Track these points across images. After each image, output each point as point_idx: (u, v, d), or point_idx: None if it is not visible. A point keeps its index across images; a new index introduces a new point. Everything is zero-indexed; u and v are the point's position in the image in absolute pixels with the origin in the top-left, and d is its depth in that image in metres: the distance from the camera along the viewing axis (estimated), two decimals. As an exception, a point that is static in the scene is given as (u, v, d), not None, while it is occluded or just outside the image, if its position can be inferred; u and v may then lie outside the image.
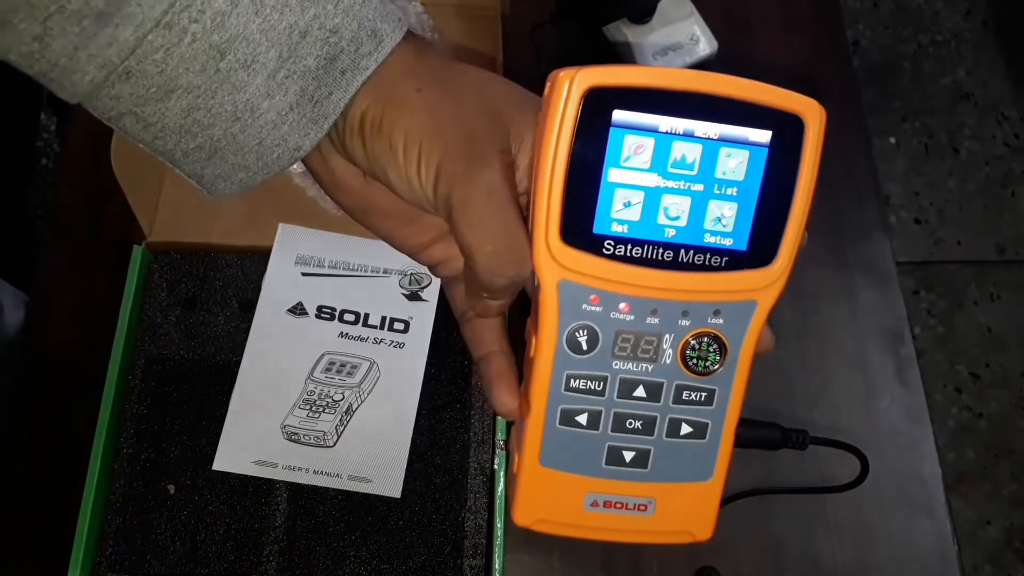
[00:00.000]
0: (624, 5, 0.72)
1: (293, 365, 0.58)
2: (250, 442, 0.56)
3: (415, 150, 0.33)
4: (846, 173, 0.75)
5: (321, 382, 0.58)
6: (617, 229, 0.34)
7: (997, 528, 1.41)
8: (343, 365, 0.58)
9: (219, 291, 0.60)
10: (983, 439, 1.48)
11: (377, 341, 0.59)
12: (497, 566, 0.55)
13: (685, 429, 0.37)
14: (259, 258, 0.60)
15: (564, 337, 0.35)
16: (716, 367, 0.36)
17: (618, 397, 0.36)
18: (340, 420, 0.57)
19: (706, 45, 0.73)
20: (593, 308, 0.35)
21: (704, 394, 0.36)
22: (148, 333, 0.59)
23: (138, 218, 0.61)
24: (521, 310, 0.38)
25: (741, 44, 0.77)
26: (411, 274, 0.61)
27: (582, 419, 0.36)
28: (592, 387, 0.36)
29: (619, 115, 0.33)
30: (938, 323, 1.54)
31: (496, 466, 0.57)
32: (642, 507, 0.38)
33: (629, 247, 0.34)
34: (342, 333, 0.59)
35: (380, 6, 0.34)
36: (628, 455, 0.37)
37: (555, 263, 0.34)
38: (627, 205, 0.33)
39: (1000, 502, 1.44)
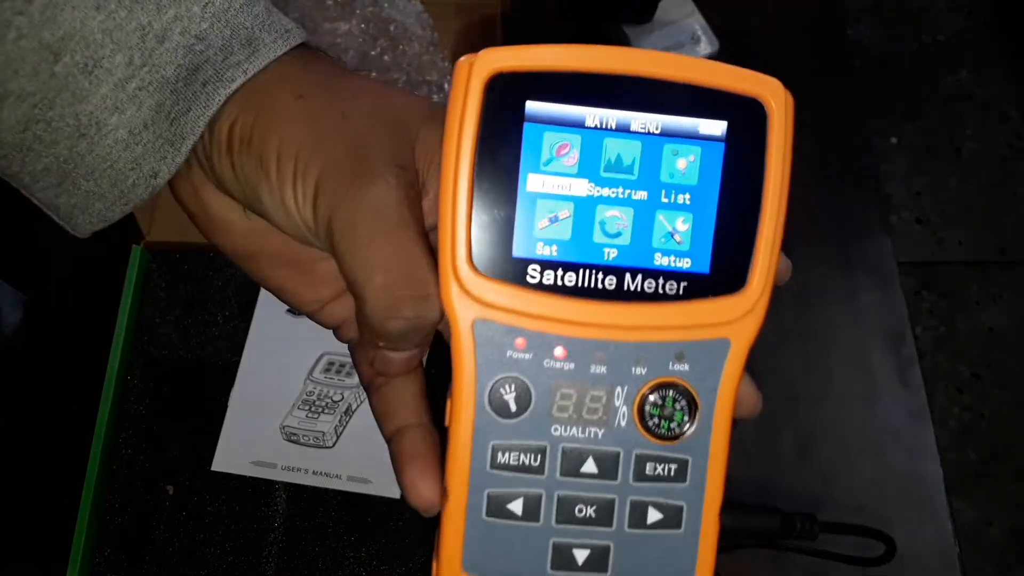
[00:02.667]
0: (625, 5, 0.72)
1: (292, 365, 0.58)
2: (249, 443, 0.56)
3: (290, 165, 0.27)
4: (847, 173, 0.75)
5: (320, 382, 0.57)
6: (543, 251, 0.27)
7: (999, 529, 1.41)
8: (342, 365, 0.58)
9: (218, 291, 0.60)
10: (985, 440, 1.48)
11: (377, 341, 0.59)
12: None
13: (653, 516, 0.28)
14: (258, 258, 0.60)
15: (486, 395, 0.27)
16: (686, 428, 0.28)
17: (562, 475, 0.28)
18: (339, 420, 0.57)
19: (707, 44, 0.73)
20: (521, 355, 0.27)
21: (674, 466, 0.28)
22: (147, 333, 0.59)
23: (137, 218, 0.60)
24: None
25: (742, 43, 0.77)
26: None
27: (516, 507, 0.28)
28: (527, 462, 0.28)
29: (533, 107, 0.27)
30: (940, 323, 1.54)
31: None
32: None
33: (560, 273, 0.27)
34: (341, 333, 0.59)
35: (265, 14, 0.29)
36: (580, 555, 0.28)
37: (468, 298, 0.27)
38: (553, 221, 0.27)
39: (1002, 503, 1.44)
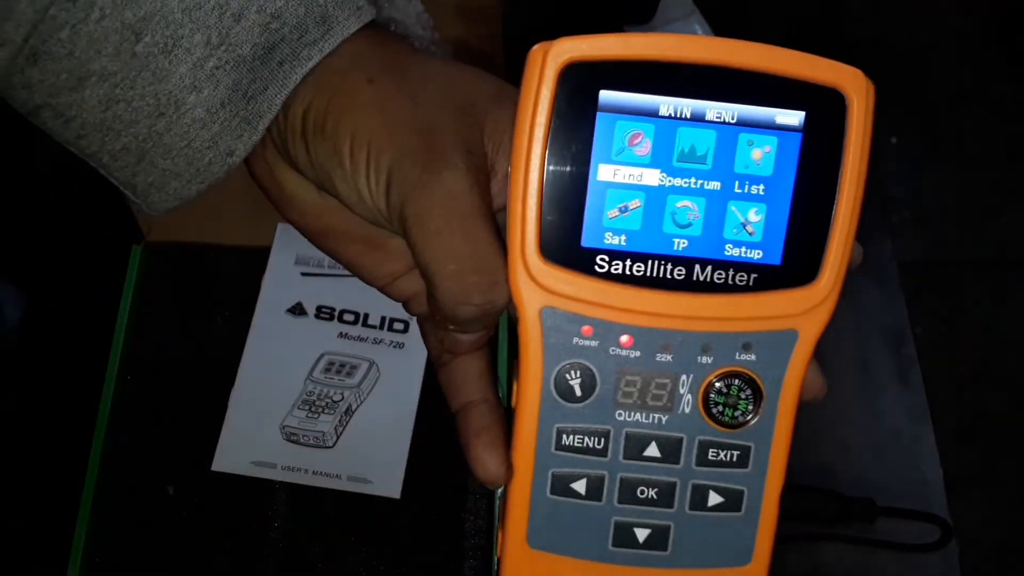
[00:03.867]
0: (625, 3, 0.72)
1: (292, 365, 0.58)
2: (249, 443, 0.56)
3: (363, 153, 0.28)
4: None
5: (320, 382, 0.57)
6: (612, 241, 0.27)
7: (999, 530, 1.41)
8: (342, 365, 0.58)
9: (218, 291, 0.60)
10: (985, 440, 1.48)
11: (377, 341, 0.59)
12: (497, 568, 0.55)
13: (714, 499, 0.29)
14: (258, 258, 0.60)
15: (552, 380, 0.28)
16: (750, 417, 0.28)
17: (625, 458, 0.29)
18: (339, 421, 0.57)
19: (707, 44, 0.73)
20: (587, 342, 0.28)
21: (736, 453, 0.29)
22: (147, 333, 0.59)
23: (137, 217, 0.60)
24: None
25: (742, 43, 0.77)
26: (411, 274, 0.60)
27: (580, 487, 0.29)
28: (591, 445, 0.28)
29: (607, 96, 0.27)
30: (940, 323, 1.54)
31: (496, 467, 0.57)
32: None
33: (628, 264, 0.27)
34: (341, 333, 0.59)
35: None
36: (642, 533, 0.29)
37: (535, 286, 0.27)
38: (623, 211, 0.27)
39: (1002, 504, 1.44)
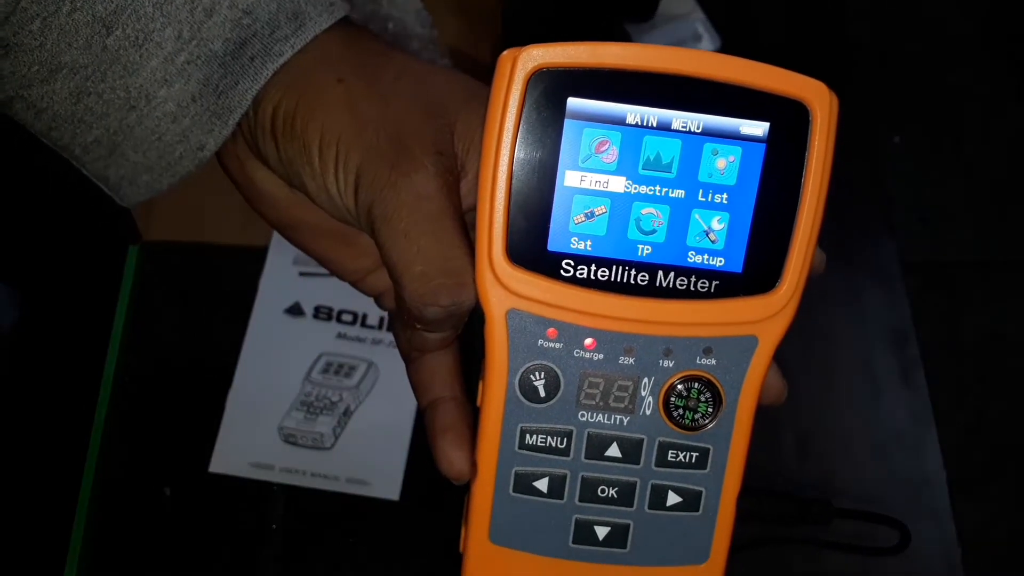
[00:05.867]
0: (627, 1, 0.71)
1: (290, 366, 0.57)
2: (247, 444, 0.56)
3: (332, 152, 0.28)
4: (850, 173, 0.74)
5: (318, 383, 0.57)
6: (577, 246, 0.28)
7: (1003, 531, 1.40)
8: (341, 366, 0.58)
9: (215, 291, 0.60)
10: (989, 441, 1.47)
11: (375, 342, 0.59)
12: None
13: (673, 499, 0.30)
14: (256, 258, 0.60)
15: (517, 381, 0.29)
16: (709, 421, 0.29)
17: (586, 458, 0.29)
18: (338, 422, 0.56)
19: (709, 42, 0.73)
20: (551, 344, 0.28)
21: (695, 454, 0.29)
22: (144, 334, 0.59)
23: (134, 218, 0.60)
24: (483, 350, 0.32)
25: (744, 42, 0.76)
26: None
27: (542, 485, 0.29)
28: (553, 444, 0.29)
29: (575, 104, 0.27)
30: (943, 324, 1.53)
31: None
32: None
33: (593, 268, 0.28)
34: (340, 334, 0.59)
35: None
36: (601, 531, 0.30)
37: (502, 289, 0.28)
38: (589, 216, 0.28)
39: (1006, 505, 1.43)
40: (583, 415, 0.29)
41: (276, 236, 0.60)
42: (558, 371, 0.29)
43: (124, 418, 0.57)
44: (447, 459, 0.30)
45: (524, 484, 0.29)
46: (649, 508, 0.30)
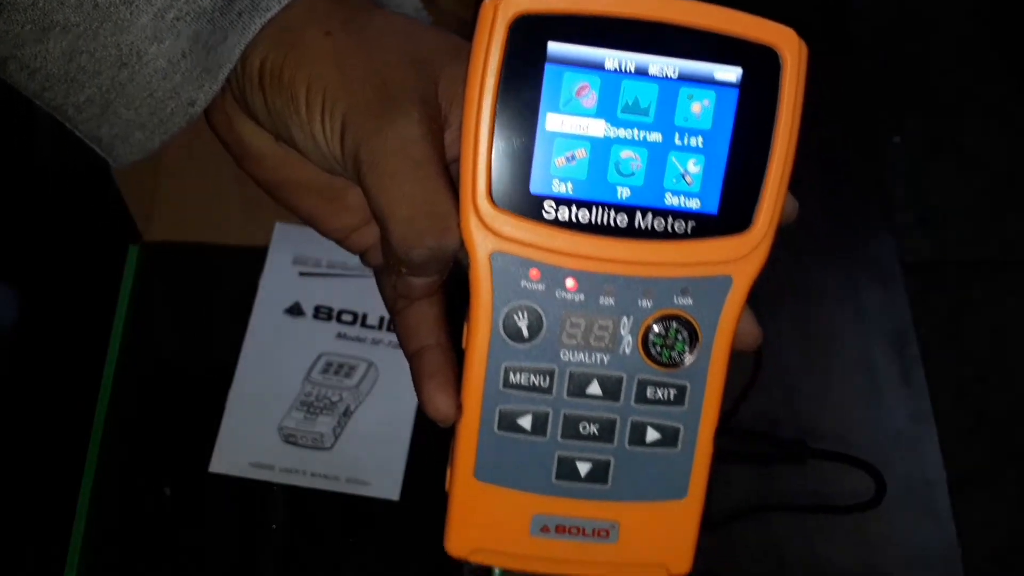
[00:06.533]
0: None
1: (290, 366, 0.57)
2: (247, 444, 0.56)
3: (318, 101, 0.29)
4: (850, 172, 0.74)
5: (318, 383, 0.57)
6: (559, 188, 0.28)
7: (1003, 531, 1.40)
8: (341, 366, 0.58)
9: (215, 291, 0.60)
10: (989, 441, 1.47)
11: (375, 342, 0.59)
12: (497, 571, 0.54)
13: (652, 435, 0.30)
14: (256, 258, 0.60)
15: (500, 321, 0.29)
16: (686, 357, 0.30)
17: (568, 395, 0.30)
18: (338, 422, 0.56)
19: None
20: (534, 285, 0.29)
21: (673, 391, 0.30)
22: (143, 334, 0.59)
23: (134, 218, 0.60)
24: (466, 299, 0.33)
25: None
26: (410, 274, 0.60)
27: (525, 422, 0.30)
28: (536, 383, 0.30)
29: (555, 48, 0.28)
30: (944, 324, 1.53)
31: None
32: (603, 532, 0.31)
33: (574, 210, 0.29)
34: (340, 334, 0.59)
35: None
36: (583, 467, 0.30)
37: (486, 231, 0.28)
38: (570, 160, 0.28)
39: (1006, 505, 1.43)
40: (565, 354, 0.30)
41: (276, 236, 0.60)
42: (541, 311, 0.29)
43: (124, 418, 0.57)
44: (433, 403, 0.31)
45: (508, 422, 0.30)
46: (629, 444, 0.30)
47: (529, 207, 0.28)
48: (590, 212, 0.29)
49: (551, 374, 0.30)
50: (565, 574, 0.32)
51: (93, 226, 0.67)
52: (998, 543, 1.35)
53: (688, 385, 0.30)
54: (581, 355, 0.30)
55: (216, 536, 0.55)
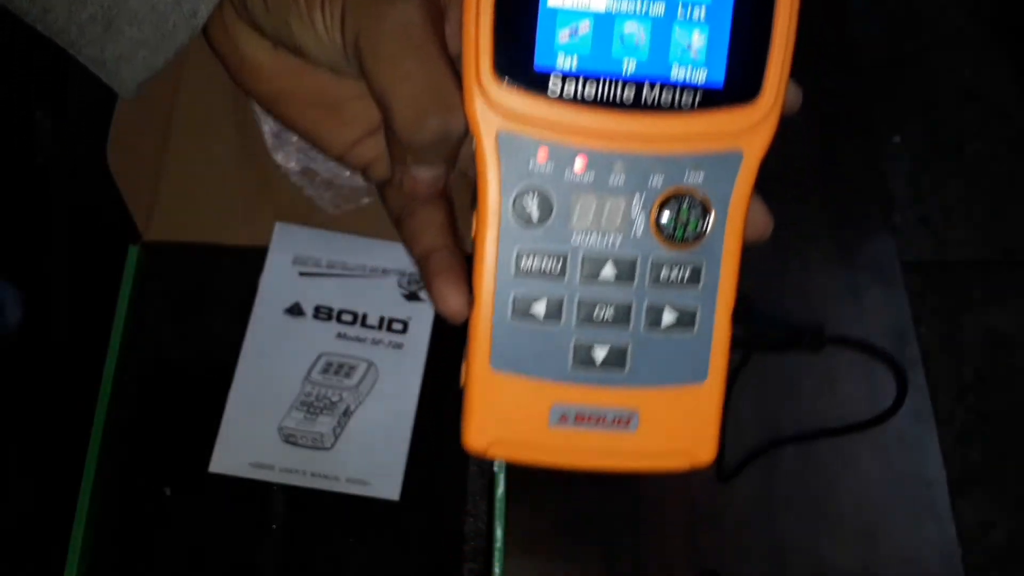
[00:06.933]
0: None
1: (290, 366, 0.57)
2: (246, 444, 0.56)
3: None
4: (850, 172, 0.74)
5: (318, 383, 0.57)
6: (563, 63, 0.28)
7: (1003, 531, 1.40)
8: (341, 366, 0.58)
9: (215, 291, 0.60)
10: (989, 441, 1.47)
11: (375, 342, 0.59)
12: (497, 571, 0.54)
13: (668, 317, 0.30)
14: (256, 258, 0.60)
15: (510, 205, 0.29)
16: (699, 236, 0.29)
17: (582, 279, 0.30)
18: (338, 422, 0.56)
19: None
20: (543, 167, 0.29)
21: (688, 270, 0.30)
22: (143, 334, 0.59)
23: (134, 218, 0.60)
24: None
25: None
26: (410, 274, 0.60)
27: (539, 309, 0.30)
28: (549, 267, 0.29)
29: None
30: (944, 324, 1.53)
31: (496, 468, 0.56)
32: (623, 421, 0.30)
33: (580, 85, 0.28)
34: (340, 334, 0.58)
35: None
36: (600, 353, 0.30)
37: (491, 109, 0.28)
38: (574, 34, 0.28)
39: (1006, 505, 1.43)
40: (576, 237, 0.29)
41: (276, 236, 0.60)
42: (551, 193, 0.29)
43: (124, 418, 0.57)
44: (444, 299, 0.30)
45: (522, 309, 0.30)
46: (645, 328, 0.30)
47: (535, 82, 0.28)
48: (596, 86, 0.28)
49: (564, 258, 0.29)
50: (587, 467, 0.31)
51: (93, 226, 0.67)
52: (999, 543, 1.35)
53: (703, 264, 0.30)
54: (593, 237, 0.29)
55: (216, 536, 0.55)
